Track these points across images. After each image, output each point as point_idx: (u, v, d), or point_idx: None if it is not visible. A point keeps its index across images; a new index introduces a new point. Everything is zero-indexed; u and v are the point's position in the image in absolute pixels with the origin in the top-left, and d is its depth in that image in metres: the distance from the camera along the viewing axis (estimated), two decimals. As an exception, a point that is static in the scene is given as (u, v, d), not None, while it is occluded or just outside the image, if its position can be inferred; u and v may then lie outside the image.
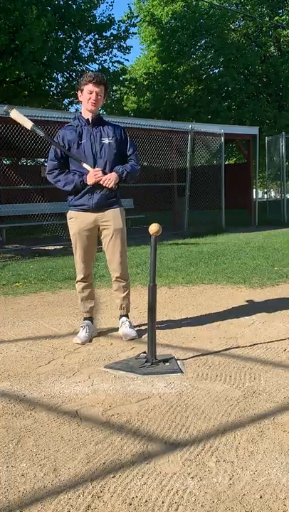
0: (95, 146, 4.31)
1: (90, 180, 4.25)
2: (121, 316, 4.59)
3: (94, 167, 4.26)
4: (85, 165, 4.26)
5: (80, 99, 4.40)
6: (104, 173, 4.26)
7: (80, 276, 4.52)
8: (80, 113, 4.45)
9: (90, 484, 2.23)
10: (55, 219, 12.66)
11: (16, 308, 5.71)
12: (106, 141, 4.33)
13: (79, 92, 4.37)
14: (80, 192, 4.35)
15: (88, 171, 4.25)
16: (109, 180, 4.24)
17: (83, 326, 4.49)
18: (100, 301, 5.75)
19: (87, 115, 4.36)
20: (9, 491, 2.20)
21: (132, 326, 4.52)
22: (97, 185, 4.30)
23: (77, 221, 4.41)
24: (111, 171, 4.30)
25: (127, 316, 4.59)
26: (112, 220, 4.38)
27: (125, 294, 4.56)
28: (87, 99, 4.29)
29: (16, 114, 4.50)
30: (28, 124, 4.45)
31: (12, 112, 4.52)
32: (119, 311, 4.62)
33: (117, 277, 4.50)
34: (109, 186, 4.24)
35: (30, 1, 17.17)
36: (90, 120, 4.35)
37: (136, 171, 4.38)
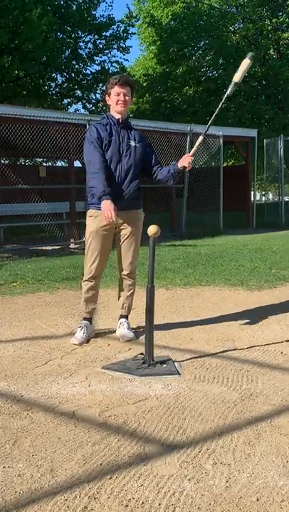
0: (122, 147, 4.33)
1: (185, 162, 4.41)
2: (121, 317, 4.59)
3: (117, 167, 4.32)
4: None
5: (108, 103, 4.45)
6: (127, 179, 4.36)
7: (88, 275, 4.48)
8: (109, 113, 4.48)
9: (87, 485, 2.23)
10: (53, 219, 12.67)
11: (13, 308, 5.70)
12: (133, 143, 4.38)
13: (106, 96, 4.43)
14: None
15: None
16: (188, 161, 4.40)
17: (81, 327, 4.48)
18: (98, 301, 5.74)
19: (117, 116, 4.40)
20: (6, 491, 2.19)
21: (130, 328, 4.52)
22: (120, 186, 4.33)
23: (96, 219, 4.38)
24: (134, 173, 4.36)
25: (126, 317, 4.59)
26: (130, 221, 4.41)
27: (129, 293, 4.59)
28: (116, 102, 4.34)
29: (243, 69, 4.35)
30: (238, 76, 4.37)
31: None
32: (120, 310, 4.63)
33: (124, 275, 4.54)
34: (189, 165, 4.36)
35: (31, 1, 17.16)
36: (120, 120, 4.39)
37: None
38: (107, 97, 4.43)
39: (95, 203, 4.37)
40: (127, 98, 4.34)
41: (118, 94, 4.32)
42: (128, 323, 4.56)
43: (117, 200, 4.26)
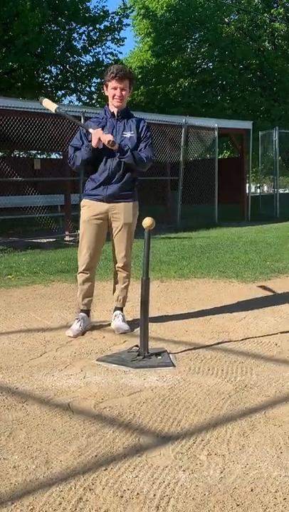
0: (116, 139, 4.30)
1: (93, 141, 4.25)
2: (116, 309, 4.60)
3: (108, 160, 4.31)
4: (90, 130, 4.29)
5: (105, 93, 4.43)
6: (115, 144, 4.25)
7: (82, 267, 4.49)
8: (108, 105, 4.46)
9: (82, 477, 2.23)
10: (48, 212, 12.64)
11: (7, 300, 5.70)
12: (128, 135, 4.36)
13: (104, 86, 4.40)
14: (98, 181, 4.36)
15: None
16: (107, 136, 4.19)
17: (78, 319, 4.49)
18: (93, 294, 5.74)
19: (113, 108, 4.39)
20: (1, 483, 2.20)
21: (124, 320, 4.53)
22: (114, 177, 4.33)
23: (89, 209, 4.42)
24: (121, 166, 4.33)
25: (121, 309, 4.60)
26: (122, 213, 4.40)
27: (124, 285, 4.59)
28: (112, 96, 4.32)
29: (46, 103, 4.58)
30: (53, 107, 4.52)
31: (44, 101, 4.61)
32: (115, 302, 4.64)
33: (119, 267, 4.54)
34: (107, 140, 4.16)
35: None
36: (116, 113, 4.38)
37: (142, 158, 4.34)
38: (104, 87, 4.41)
39: (89, 193, 4.42)
40: (124, 93, 4.31)
41: (115, 89, 4.29)
42: (123, 316, 4.56)
43: (110, 191, 4.30)
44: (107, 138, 4.17)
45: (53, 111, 4.52)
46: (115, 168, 4.32)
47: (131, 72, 4.42)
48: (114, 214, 4.40)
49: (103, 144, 4.21)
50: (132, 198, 4.46)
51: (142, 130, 4.43)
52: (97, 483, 2.19)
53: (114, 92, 4.30)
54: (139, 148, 4.39)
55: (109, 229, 4.49)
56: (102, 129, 4.31)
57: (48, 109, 4.59)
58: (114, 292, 4.68)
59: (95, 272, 4.63)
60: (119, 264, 4.53)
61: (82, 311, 4.56)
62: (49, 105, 4.55)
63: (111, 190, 4.35)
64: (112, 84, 4.28)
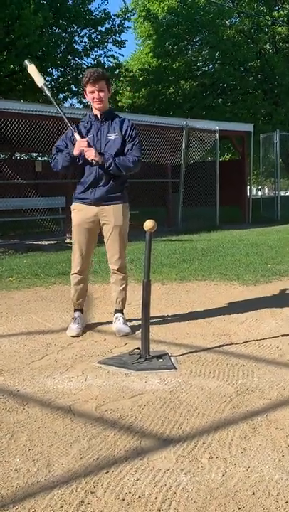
0: (101, 142, 4.33)
1: (75, 150, 4.28)
2: (116, 311, 4.61)
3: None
4: (76, 134, 4.31)
5: (87, 98, 4.46)
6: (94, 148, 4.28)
7: (75, 269, 4.55)
8: (91, 109, 4.48)
9: (84, 480, 2.23)
10: (49, 214, 12.64)
11: (9, 303, 5.70)
12: (112, 136, 4.36)
13: (84, 93, 4.42)
14: (85, 185, 4.39)
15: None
16: (90, 153, 4.22)
17: (75, 318, 4.55)
18: (94, 296, 5.75)
19: (95, 111, 4.40)
20: (2, 485, 2.20)
21: (125, 322, 4.53)
22: (100, 180, 4.34)
23: (79, 213, 4.46)
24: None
25: (121, 311, 4.60)
26: (112, 215, 4.40)
27: (122, 287, 4.59)
28: (92, 99, 4.33)
29: (32, 69, 4.59)
30: (40, 81, 4.54)
31: (30, 66, 4.62)
32: (114, 305, 4.65)
33: (114, 270, 4.55)
34: (90, 158, 4.22)
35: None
36: (99, 116, 4.38)
37: (127, 163, 4.31)
38: (84, 94, 4.43)
39: (78, 197, 4.46)
40: (102, 94, 4.30)
41: (92, 92, 4.29)
42: (124, 318, 4.57)
43: (97, 195, 4.34)
44: (90, 156, 4.22)
45: (38, 84, 4.52)
46: (102, 171, 4.32)
47: (104, 72, 4.41)
48: (104, 217, 4.41)
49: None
50: (121, 199, 4.46)
51: (126, 130, 4.40)
52: (99, 486, 2.19)
53: (92, 96, 4.31)
54: (126, 149, 4.38)
55: (101, 232, 4.50)
56: (88, 132, 4.35)
57: (31, 78, 4.61)
58: (112, 294, 4.68)
59: (88, 273, 4.72)
60: (115, 267, 4.54)
61: (76, 310, 4.63)
62: (35, 75, 4.55)
63: (99, 193, 4.37)
64: (89, 88, 4.29)
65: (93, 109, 4.41)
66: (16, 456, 2.44)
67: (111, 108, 4.52)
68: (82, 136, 4.32)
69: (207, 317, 4.96)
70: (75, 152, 4.27)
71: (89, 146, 4.26)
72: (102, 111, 4.37)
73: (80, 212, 4.44)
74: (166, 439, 2.58)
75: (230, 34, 26.52)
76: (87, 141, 4.29)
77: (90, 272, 6.54)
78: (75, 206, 4.49)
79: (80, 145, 4.24)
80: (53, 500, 2.09)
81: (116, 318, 4.58)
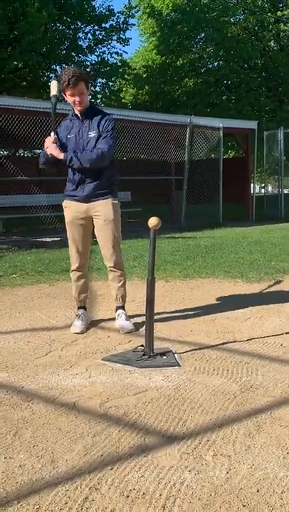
0: (83, 140, 4.32)
1: (45, 147, 4.37)
2: (117, 308, 4.61)
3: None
4: (52, 134, 4.37)
5: (66, 99, 4.37)
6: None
7: (74, 265, 4.59)
8: (73, 109, 4.43)
9: (88, 476, 2.23)
10: (53, 211, 12.64)
11: (13, 299, 5.70)
12: (92, 134, 4.33)
13: (63, 94, 4.33)
14: (74, 182, 4.43)
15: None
16: (50, 149, 4.30)
17: (78, 315, 4.57)
18: (97, 293, 5.76)
19: (76, 111, 4.37)
20: (7, 482, 2.20)
21: (128, 319, 4.53)
22: (87, 177, 4.35)
23: (70, 210, 4.50)
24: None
25: (123, 307, 4.60)
26: (102, 210, 4.40)
27: (120, 284, 4.58)
28: (73, 103, 4.29)
29: (53, 85, 4.54)
30: (53, 91, 4.50)
31: (53, 83, 4.57)
32: (114, 302, 4.65)
33: (110, 267, 4.54)
34: (49, 153, 4.31)
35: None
36: (80, 115, 4.36)
37: (89, 156, 4.26)
38: (64, 95, 4.34)
39: (67, 194, 4.52)
40: (82, 96, 4.23)
41: (73, 95, 4.22)
42: (126, 314, 4.56)
43: (86, 192, 4.37)
44: (48, 151, 4.31)
45: (51, 94, 4.52)
46: (87, 170, 4.31)
47: (81, 73, 4.28)
48: (94, 213, 4.43)
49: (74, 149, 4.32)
50: (110, 194, 4.44)
51: (103, 126, 4.34)
52: (103, 482, 2.19)
53: (73, 99, 4.25)
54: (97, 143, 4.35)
55: (93, 228, 4.51)
56: (71, 131, 4.35)
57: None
58: (112, 291, 4.68)
59: (87, 269, 4.73)
60: (110, 264, 4.52)
61: (79, 307, 4.64)
62: (53, 88, 4.53)
63: (87, 190, 4.38)
64: (68, 91, 4.22)
65: (74, 109, 4.38)
66: (20, 452, 2.44)
67: (92, 104, 4.47)
68: (59, 136, 4.39)
69: (211, 314, 4.95)
70: (47, 150, 4.33)
71: (63, 144, 4.35)
72: (82, 110, 4.33)
73: (71, 209, 4.49)
74: (171, 436, 2.58)
75: (235, 31, 26.48)
76: (55, 138, 4.33)
77: (94, 269, 6.57)
78: (66, 203, 4.54)
79: (46, 142, 4.32)
80: (57, 497, 2.09)
81: (118, 315, 4.58)
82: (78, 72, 4.24)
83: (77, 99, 4.24)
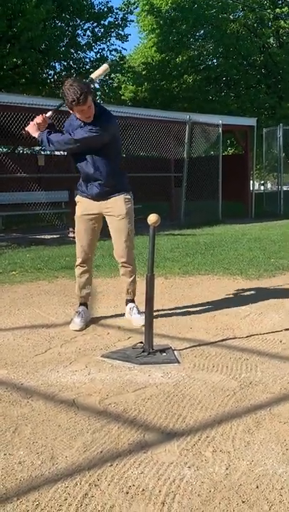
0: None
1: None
2: (128, 302, 4.64)
3: (87, 160, 4.34)
4: (50, 113, 4.48)
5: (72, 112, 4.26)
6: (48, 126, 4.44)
7: (78, 260, 4.58)
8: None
9: (87, 473, 2.24)
10: (52, 208, 12.64)
11: (12, 296, 5.70)
12: None
13: (71, 110, 4.21)
14: (84, 181, 4.44)
15: None
16: (29, 127, 4.42)
17: (78, 312, 4.56)
18: (97, 290, 5.75)
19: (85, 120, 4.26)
20: (6, 478, 2.20)
21: (140, 312, 4.50)
22: (96, 175, 4.34)
23: (81, 205, 4.51)
24: (102, 163, 4.31)
25: (133, 301, 4.62)
26: (115, 206, 4.41)
27: (132, 278, 4.61)
28: (81, 118, 4.20)
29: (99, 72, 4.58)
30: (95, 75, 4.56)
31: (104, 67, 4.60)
32: (125, 295, 4.67)
33: (122, 262, 4.55)
34: (25, 129, 4.43)
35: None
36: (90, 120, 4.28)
37: (58, 138, 4.30)
38: (71, 111, 4.23)
39: (80, 190, 4.51)
40: (90, 109, 4.13)
41: (82, 112, 4.13)
42: (137, 308, 4.57)
43: (96, 190, 4.38)
44: (27, 128, 4.44)
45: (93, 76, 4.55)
46: (94, 166, 4.31)
47: (86, 86, 4.09)
48: (107, 209, 4.43)
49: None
50: (122, 191, 4.45)
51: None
52: (103, 479, 2.19)
53: (81, 115, 4.16)
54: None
55: (107, 227, 4.52)
56: (77, 129, 4.28)
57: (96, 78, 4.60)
58: (123, 285, 4.69)
59: (91, 265, 4.72)
60: (123, 259, 4.53)
61: (81, 304, 4.64)
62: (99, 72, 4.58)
63: (97, 189, 4.38)
64: (78, 109, 4.10)
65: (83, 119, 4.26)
66: (20, 449, 2.44)
67: (97, 104, 4.37)
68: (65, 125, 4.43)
69: (210, 311, 4.95)
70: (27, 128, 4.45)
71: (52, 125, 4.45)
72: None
73: (82, 205, 4.50)
74: (170, 432, 2.58)
75: (234, 28, 26.44)
76: (47, 118, 4.42)
77: (93, 266, 6.56)
78: (79, 198, 4.55)
79: (36, 118, 4.39)
80: (57, 493, 2.09)
81: (130, 308, 4.60)
82: (83, 87, 4.04)
83: (86, 114, 4.15)
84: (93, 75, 4.55)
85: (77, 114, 4.20)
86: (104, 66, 4.62)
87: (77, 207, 4.55)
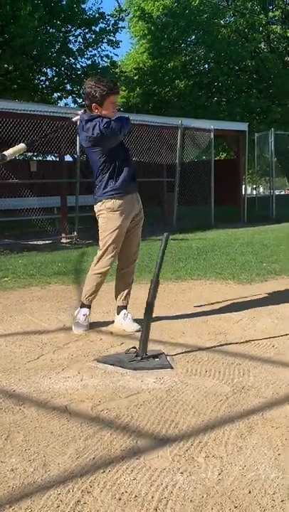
0: None
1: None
2: (122, 308, 4.63)
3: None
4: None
5: (95, 111, 4.23)
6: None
7: (106, 268, 4.47)
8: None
9: (80, 479, 2.23)
10: (44, 214, 12.62)
11: (4, 303, 5.69)
12: None
13: (94, 105, 4.20)
14: (126, 177, 4.37)
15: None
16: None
17: (86, 315, 4.55)
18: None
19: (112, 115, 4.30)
20: (-2, 486, 2.19)
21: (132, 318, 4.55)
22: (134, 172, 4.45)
23: (127, 206, 4.41)
24: (96, 169, 4.36)
25: (126, 307, 4.64)
26: (139, 204, 4.55)
27: (132, 279, 4.67)
28: (112, 110, 4.24)
29: (11, 153, 4.55)
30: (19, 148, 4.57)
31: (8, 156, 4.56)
32: (122, 301, 4.64)
33: (133, 261, 4.63)
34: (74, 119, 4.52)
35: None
36: None
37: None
38: (94, 106, 4.21)
39: (123, 188, 4.36)
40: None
41: (113, 102, 4.23)
42: (130, 314, 4.59)
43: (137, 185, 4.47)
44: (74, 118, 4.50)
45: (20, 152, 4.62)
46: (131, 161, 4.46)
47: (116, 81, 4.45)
48: (138, 208, 4.54)
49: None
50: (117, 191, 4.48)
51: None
52: (95, 485, 2.18)
53: (114, 107, 4.25)
54: None
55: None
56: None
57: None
58: (119, 291, 4.66)
59: (120, 273, 4.73)
60: (135, 257, 4.62)
61: (88, 306, 4.60)
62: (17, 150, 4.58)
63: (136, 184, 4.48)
64: (111, 99, 4.19)
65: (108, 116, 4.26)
66: (12, 456, 2.43)
67: None
68: None
69: (203, 316, 4.96)
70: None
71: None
72: None
73: (128, 207, 4.40)
74: (163, 438, 2.58)
75: (225, 34, 26.55)
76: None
77: (85, 272, 6.55)
78: (118, 202, 4.36)
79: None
80: (49, 500, 2.09)
81: (124, 314, 4.58)
82: (117, 81, 4.35)
83: (116, 105, 4.31)
84: (6, 152, 4.51)
85: (107, 105, 4.19)
86: (21, 145, 4.62)
87: (119, 212, 4.34)
